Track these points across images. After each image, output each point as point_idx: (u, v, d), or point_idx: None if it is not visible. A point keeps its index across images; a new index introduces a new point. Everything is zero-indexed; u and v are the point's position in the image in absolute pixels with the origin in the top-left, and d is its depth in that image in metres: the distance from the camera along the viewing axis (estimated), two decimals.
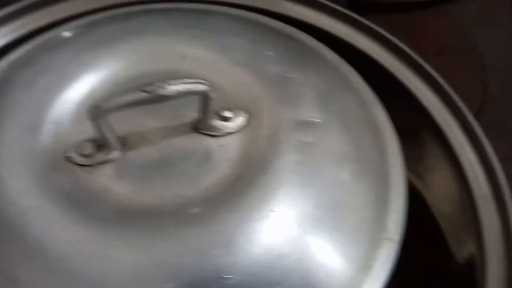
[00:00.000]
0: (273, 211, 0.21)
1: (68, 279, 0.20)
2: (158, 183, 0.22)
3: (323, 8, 0.32)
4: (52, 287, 0.20)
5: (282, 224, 0.21)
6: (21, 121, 0.23)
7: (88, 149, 0.22)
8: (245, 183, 0.22)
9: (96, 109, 0.21)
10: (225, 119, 0.23)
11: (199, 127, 0.23)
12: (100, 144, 0.23)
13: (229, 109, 0.24)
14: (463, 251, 0.28)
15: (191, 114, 0.24)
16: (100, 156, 0.22)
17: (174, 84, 0.21)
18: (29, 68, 0.25)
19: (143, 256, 0.20)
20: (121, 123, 0.23)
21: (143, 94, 0.21)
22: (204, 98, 0.22)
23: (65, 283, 0.20)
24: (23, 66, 0.26)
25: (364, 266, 0.22)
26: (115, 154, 0.23)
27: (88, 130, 0.23)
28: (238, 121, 0.24)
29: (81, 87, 0.24)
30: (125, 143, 0.23)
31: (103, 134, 0.22)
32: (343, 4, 0.34)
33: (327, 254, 0.22)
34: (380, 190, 0.24)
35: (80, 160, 0.22)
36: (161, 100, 0.21)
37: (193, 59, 0.26)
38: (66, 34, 0.28)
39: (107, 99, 0.21)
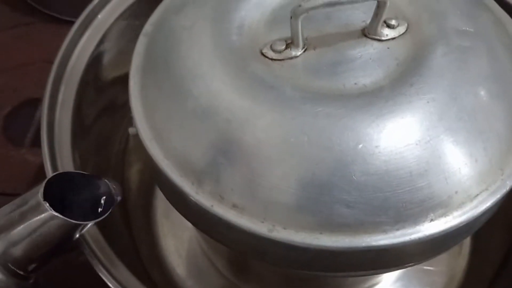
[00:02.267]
0: (432, 101, 0.26)
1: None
2: (338, 75, 0.27)
3: None
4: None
5: (440, 110, 0.26)
6: (220, 25, 0.29)
7: (280, 46, 0.27)
8: (412, 75, 0.26)
9: (299, 8, 0.25)
10: (390, 26, 0.28)
11: (368, 32, 0.28)
12: (289, 43, 0.27)
13: (394, 19, 0.28)
14: None
15: (359, 23, 0.28)
16: (289, 52, 0.27)
17: None
18: None
19: (307, 131, 0.24)
20: (304, 29, 0.27)
21: None
22: (380, 6, 0.26)
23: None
24: None
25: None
26: (300, 51, 0.28)
27: (277, 33, 0.28)
28: (400, 29, 0.28)
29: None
30: (308, 44, 0.28)
31: (296, 31, 0.27)
32: None
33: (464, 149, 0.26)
34: None
35: (273, 55, 0.27)
36: (350, 3, 0.26)
37: None
38: None
39: (306, 1, 0.26)
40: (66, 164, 0.32)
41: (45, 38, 0.58)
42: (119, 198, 0.28)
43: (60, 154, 0.32)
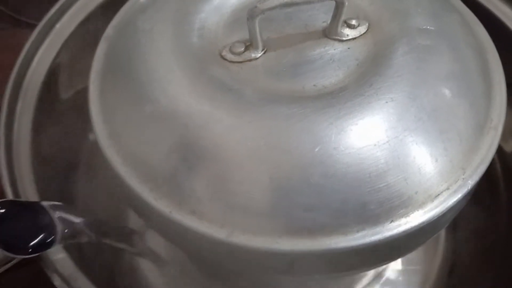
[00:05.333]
0: (391, 101, 0.25)
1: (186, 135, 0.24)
2: (298, 76, 0.26)
3: None
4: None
5: (399, 110, 0.25)
6: (180, 28, 0.28)
7: (239, 48, 0.27)
8: (372, 75, 0.26)
9: (255, 9, 0.25)
10: (351, 26, 0.28)
11: (329, 33, 0.28)
12: (248, 45, 0.27)
13: (354, 18, 0.28)
14: None
15: (320, 24, 0.28)
16: (248, 54, 0.27)
17: None
18: None
19: (264, 134, 0.24)
20: (264, 30, 0.27)
21: None
22: (338, 6, 0.26)
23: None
24: None
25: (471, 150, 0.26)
26: (260, 53, 0.27)
27: (237, 35, 0.28)
28: (361, 28, 0.28)
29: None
30: (268, 45, 0.27)
31: (254, 33, 0.26)
32: None
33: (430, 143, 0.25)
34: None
35: (232, 57, 0.27)
36: (306, 3, 0.25)
37: None
38: None
39: (262, 2, 0.25)
40: (26, 180, 0.32)
41: (17, 44, 0.57)
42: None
43: (19, 170, 0.31)
